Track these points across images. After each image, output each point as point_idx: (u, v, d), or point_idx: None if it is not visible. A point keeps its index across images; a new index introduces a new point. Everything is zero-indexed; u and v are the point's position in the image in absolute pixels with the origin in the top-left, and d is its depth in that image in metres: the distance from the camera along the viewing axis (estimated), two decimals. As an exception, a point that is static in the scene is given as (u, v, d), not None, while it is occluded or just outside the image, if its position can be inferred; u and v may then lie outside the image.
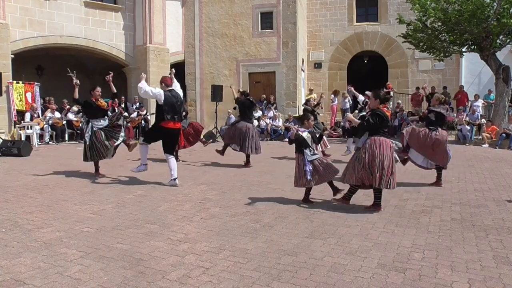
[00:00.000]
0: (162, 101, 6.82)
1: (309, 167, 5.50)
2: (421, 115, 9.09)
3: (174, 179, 6.91)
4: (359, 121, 5.66)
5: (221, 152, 9.47)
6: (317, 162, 5.60)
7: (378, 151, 5.18)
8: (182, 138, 9.72)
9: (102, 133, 7.60)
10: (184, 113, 9.77)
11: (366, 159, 5.20)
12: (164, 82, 7.06)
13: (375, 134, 5.29)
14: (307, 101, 10.69)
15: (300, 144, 5.62)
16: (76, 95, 7.70)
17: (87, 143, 7.58)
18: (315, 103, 10.61)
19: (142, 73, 7.49)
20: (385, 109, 5.56)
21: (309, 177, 5.50)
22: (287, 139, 15.24)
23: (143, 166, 7.20)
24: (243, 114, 9.35)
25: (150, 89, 6.90)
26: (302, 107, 10.01)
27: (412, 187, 6.81)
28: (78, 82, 7.81)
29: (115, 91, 8.10)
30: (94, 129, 7.58)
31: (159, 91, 6.87)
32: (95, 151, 7.57)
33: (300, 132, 5.64)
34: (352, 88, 9.21)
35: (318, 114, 10.59)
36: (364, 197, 6.14)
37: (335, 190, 5.73)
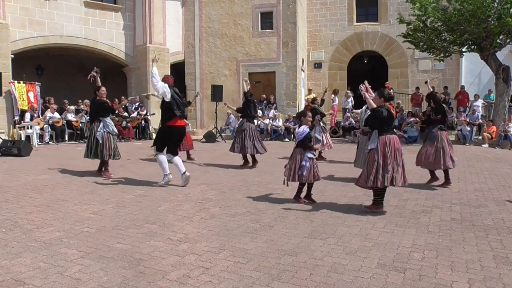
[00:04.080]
0: (169, 99, 6.76)
1: (308, 163, 5.57)
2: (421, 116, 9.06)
3: (184, 172, 6.88)
4: (375, 106, 5.55)
5: (247, 162, 9.22)
6: (314, 161, 5.72)
7: (389, 149, 5.19)
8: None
9: (111, 139, 7.81)
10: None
11: (379, 160, 5.19)
12: (166, 82, 7.01)
13: (383, 132, 5.27)
14: (314, 100, 10.57)
15: (305, 139, 5.65)
16: (99, 83, 7.95)
17: (100, 141, 7.61)
18: (319, 101, 10.51)
19: (155, 58, 7.13)
20: (391, 106, 5.50)
21: (305, 172, 5.56)
22: (287, 139, 15.40)
23: (166, 176, 6.94)
24: (245, 113, 9.28)
25: (162, 85, 6.77)
26: (311, 106, 9.85)
27: (412, 187, 6.80)
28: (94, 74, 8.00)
29: (100, 84, 8.06)
30: (107, 130, 7.70)
31: (169, 90, 6.79)
32: (106, 150, 7.66)
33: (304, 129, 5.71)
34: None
35: (324, 115, 10.46)
36: (364, 197, 6.14)
37: (309, 199, 5.83)
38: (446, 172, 7.07)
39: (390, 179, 5.16)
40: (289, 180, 5.75)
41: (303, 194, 5.86)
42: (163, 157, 6.93)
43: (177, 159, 6.98)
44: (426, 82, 7.94)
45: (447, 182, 7.05)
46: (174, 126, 6.88)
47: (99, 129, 7.67)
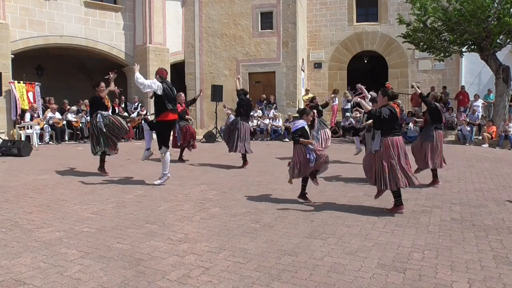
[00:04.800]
0: (161, 92, 6.81)
1: (312, 155, 5.56)
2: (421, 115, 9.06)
3: (167, 173, 6.99)
4: (370, 108, 5.54)
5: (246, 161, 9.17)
6: (317, 152, 5.68)
7: (393, 152, 5.16)
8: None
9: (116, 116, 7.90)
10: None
11: (385, 163, 5.17)
12: (160, 74, 7.02)
13: (387, 134, 5.23)
14: (313, 98, 10.61)
15: (301, 135, 5.64)
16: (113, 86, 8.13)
17: (103, 129, 7.57)
18: (320, 102, 10.51)
19: (135, 64, 7.45)
20: (396, 105, 5.49)
21: (312, 164, 5.57)
22: (287, 139, 15.40)
23: (165, 175, 7.02)
24: (241, 112, 9.27)
25: (150, 81, 6.85)
26: (310, 104, 9.90)
27: (412, 187, 6.79)
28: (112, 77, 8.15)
29: (113, 89, 8.20)
30: (105, 114, 7.71)
31: (158, 83, 6.83)
32: (110, 136, 7.65)
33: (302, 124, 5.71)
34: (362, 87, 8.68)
35: (321, 111, 10.46)
36: (364, 197, 6.14)
37: (303, 195, 5.83)
38: (434, 171, 7.12)
39: (406, 180, 5.16)
40: (294, 178, 5.71)
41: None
42: (169, 157, 7.05)
43: (167, 158, 7.02)
44: (412, 87, 7.96)
45: (434, 181, 7.10)
46: (168, 120, 6.94)
47: (98, 120, 7.66)
